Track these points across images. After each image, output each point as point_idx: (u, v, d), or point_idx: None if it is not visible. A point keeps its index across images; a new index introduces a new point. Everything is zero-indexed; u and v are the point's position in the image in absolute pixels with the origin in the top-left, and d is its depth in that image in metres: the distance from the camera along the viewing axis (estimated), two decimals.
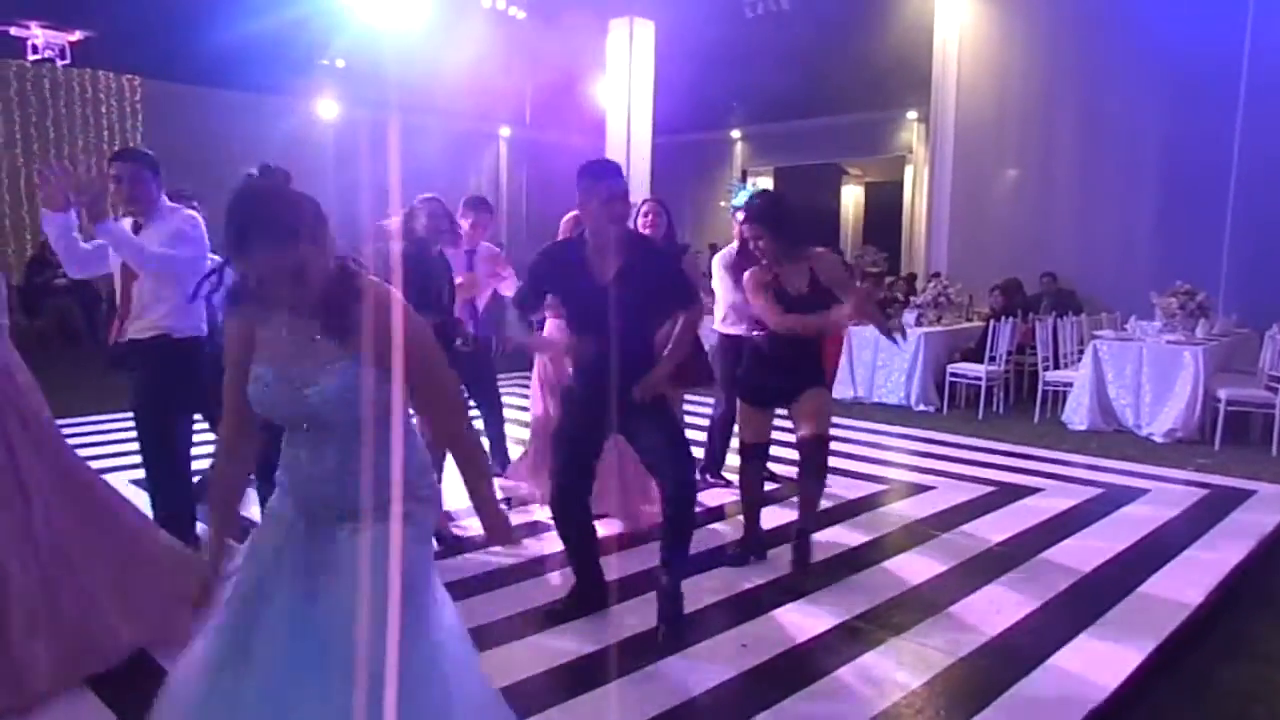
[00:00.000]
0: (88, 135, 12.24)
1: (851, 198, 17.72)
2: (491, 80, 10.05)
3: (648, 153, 10.55)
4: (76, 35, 11.39)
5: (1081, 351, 7.46)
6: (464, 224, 4.71)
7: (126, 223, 3.26)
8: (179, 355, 3.30)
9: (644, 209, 4.70)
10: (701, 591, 3.45)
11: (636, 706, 2.53)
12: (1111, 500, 4.88)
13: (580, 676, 2.75)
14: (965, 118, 10.51)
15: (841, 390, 8.07)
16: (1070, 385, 7.18)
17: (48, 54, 11.58)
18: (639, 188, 9.87)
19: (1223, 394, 6.34)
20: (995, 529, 4.32)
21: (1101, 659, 2.94)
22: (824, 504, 4.55)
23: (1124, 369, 6.88)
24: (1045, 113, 9.98)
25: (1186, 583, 3.61)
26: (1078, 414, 7.00)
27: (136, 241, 3.14)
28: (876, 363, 7.94)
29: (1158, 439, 6.51)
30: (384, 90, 10.57)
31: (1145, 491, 5.08)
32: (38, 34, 11.21)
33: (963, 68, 10.47)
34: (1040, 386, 7.39)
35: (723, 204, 13.72)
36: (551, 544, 3.86)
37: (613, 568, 3.41)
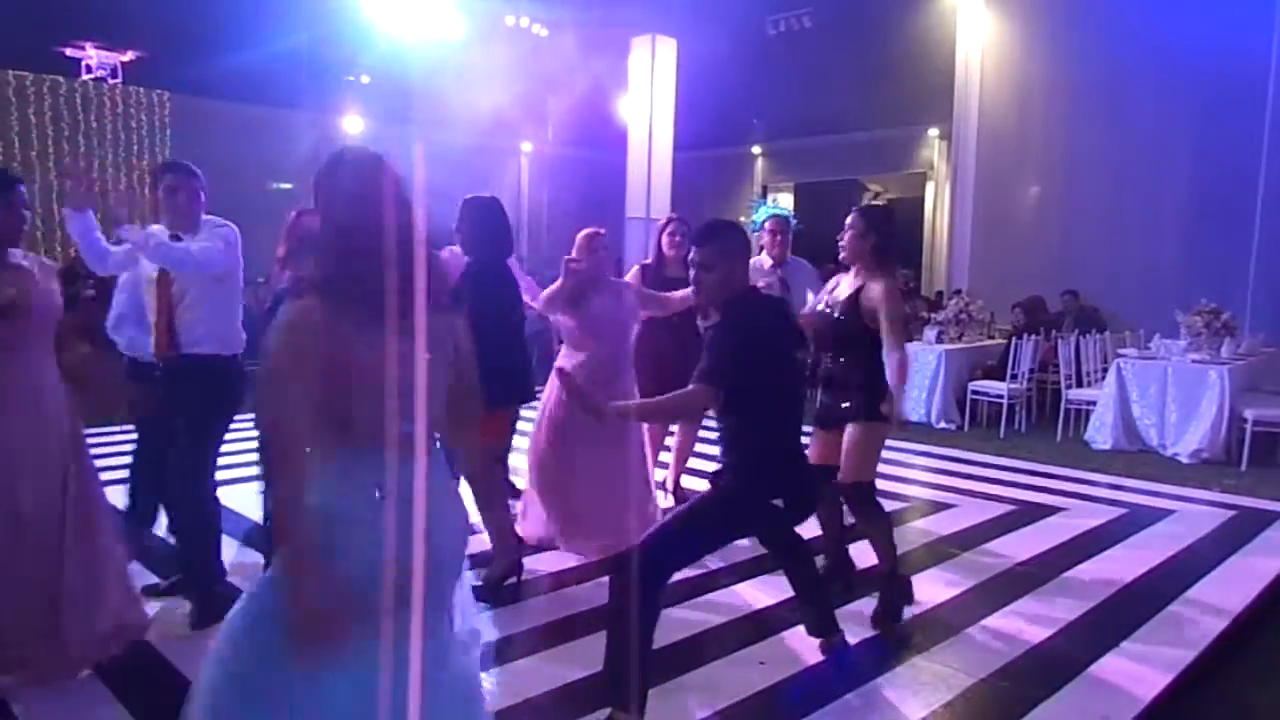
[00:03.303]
0: (117, 150, 12.47)
1: None
2: (514, 97, 10.16)
3: (669, 168, 10.60)
4: (129, 55, 11.64)
5: (1105, 370, 7.38)
6: None
7: (158, 229, 3.18)
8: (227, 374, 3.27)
9: (670, 228, 4.71)
10: (718, 609, 3.44)
11: None
12: (1136, 521, 4.81)
13: (594, 694, 2.72)
14: (987, 134, 10.49)
15: None
16: (1093, 404, 7.11)
17: (100, 73, 11.83)
18: (660, 204, 9.91)
19: (1249, 414, 6.25)
20: (1017, 548, 4.27)
21: (1127, 681, 2.89)
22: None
23: (1148, 388, 6.80)
24: (1069, 128, 9.93)
25: (1214, 605, 3.56)
26: (1101, 433, 6.92)
27: (172, 244, 3.04)
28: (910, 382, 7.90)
29: (1183, 459, 6.42)
30: (408, 106, 10.71)
31: (1171, 512, 5.01)
32: (92, 54, 11.46)
33: (985, 84, 10.45)
34: (1063, 405, 7.31)
35: (743, 219, 13.73)
36: (556, 562, 3.90)
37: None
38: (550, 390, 4.13)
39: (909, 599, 3.41)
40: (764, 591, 3.58)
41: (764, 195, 16.02)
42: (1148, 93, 9.22)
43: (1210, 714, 2.87)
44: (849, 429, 3.28)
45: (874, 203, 4.08)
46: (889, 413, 3.13)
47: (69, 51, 11.34)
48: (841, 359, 3.37)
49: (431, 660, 1.59)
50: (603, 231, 4.15)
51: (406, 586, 1.56)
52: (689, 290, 4.10)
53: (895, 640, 3.18)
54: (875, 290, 3.23)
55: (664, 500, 4.74)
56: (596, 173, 14.54)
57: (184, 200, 3.16)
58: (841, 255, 3.39)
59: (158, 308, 3.18)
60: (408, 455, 1.60)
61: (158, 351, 3.19)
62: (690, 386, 2.52)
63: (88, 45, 11.34)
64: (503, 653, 3.01)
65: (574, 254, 4.06)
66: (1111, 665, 3.01)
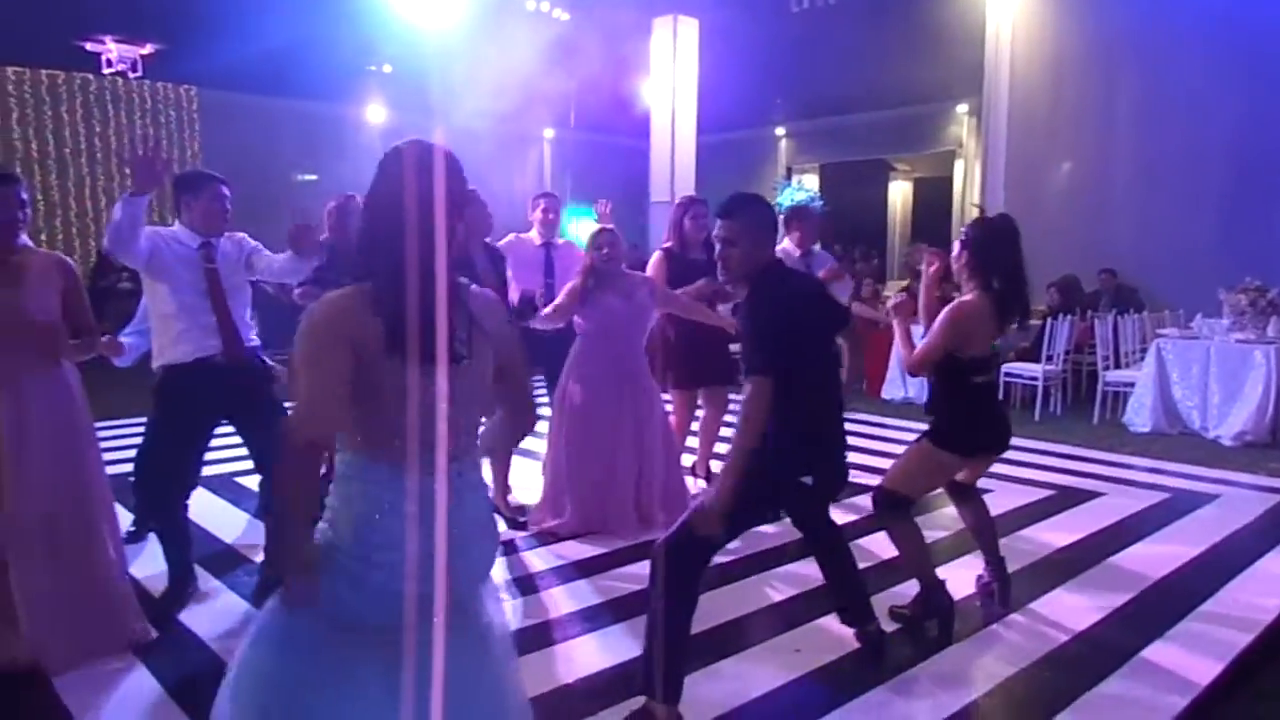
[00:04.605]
0: (147, 145, 12.59)
1: (899, 194, 17.40)
2: (535, 82, 10.10)
3: (692, 152, 10.49)
4: (148, 48, 11.70)
5: (1143, 350, 7.21)
6: (536, 216, 4.74)
7: (185, 233, 3.23)
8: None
9: (692, 210, 4.66)
10: (751, 595, 3.41)
11: (690, 711, 2.48)
12: (1178, 506, 4.70)
13: (630, 681, 2.70)
14: (1019, 109, 10.24)
15: (892, 390, 7.94)
16: (1132, 386, 6.95)
17: (120, 67, 11.91)
18: (684, 188, 9.82)
19: None
20: (1056, 534, 4.19)
21: (1172, 672, 2.82)
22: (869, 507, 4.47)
23: (1190, 369, 6.63)
24: (1103, 101, 9.67)
25: (1261, 593, 3.46)
26: (1140, 415, 6.77)
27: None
28: None
29: (1226, 442, 6.26)
30: (429, 95, 10.67)
31: (1214, 497, 4.88)
32: (112, 48, 11.53)
33: (1016, 57, 10.20)
34: (1100, 387, 7.16)
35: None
36: (586, 549, 3.88)
37: None
38: (570, 380, 4.12)
39: (946, 622, 3.08)
40: (798, 578, 3.54)
41: (788, 177, 15.83)
42: (1185, 64, 8.93)
43: (1258, 709, 2.78)
44: (915, 443, 3.20)
45: (985, 216, 3.84)
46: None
47: (89, 46, 11.41)
48: (934, 377, 3.22)
49: (461, 667, 1.57)
50: (611, 227, 4.13)
51: (433, 596, 1.54)
52: (712, 311, 4.12)
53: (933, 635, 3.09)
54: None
55: (693, 484, 4.71)
56: (620, 157, 14.45)
57: (227, 209, 3.26)
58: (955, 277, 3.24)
59: (217, 308, 3.20)
60: (429, 462, 1.56)
61: (228, 352, 3.20)
62: (748, 386, 2.42)
63: (107, 39, 11.41)
64: (534, 640, 3.00)
65: (588, 245, 4.06)
66: (1158, 655, 2.93)
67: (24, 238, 2.78)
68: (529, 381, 1.86)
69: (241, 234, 3.41)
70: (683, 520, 2.55)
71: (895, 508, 3.14)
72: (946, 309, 3.11)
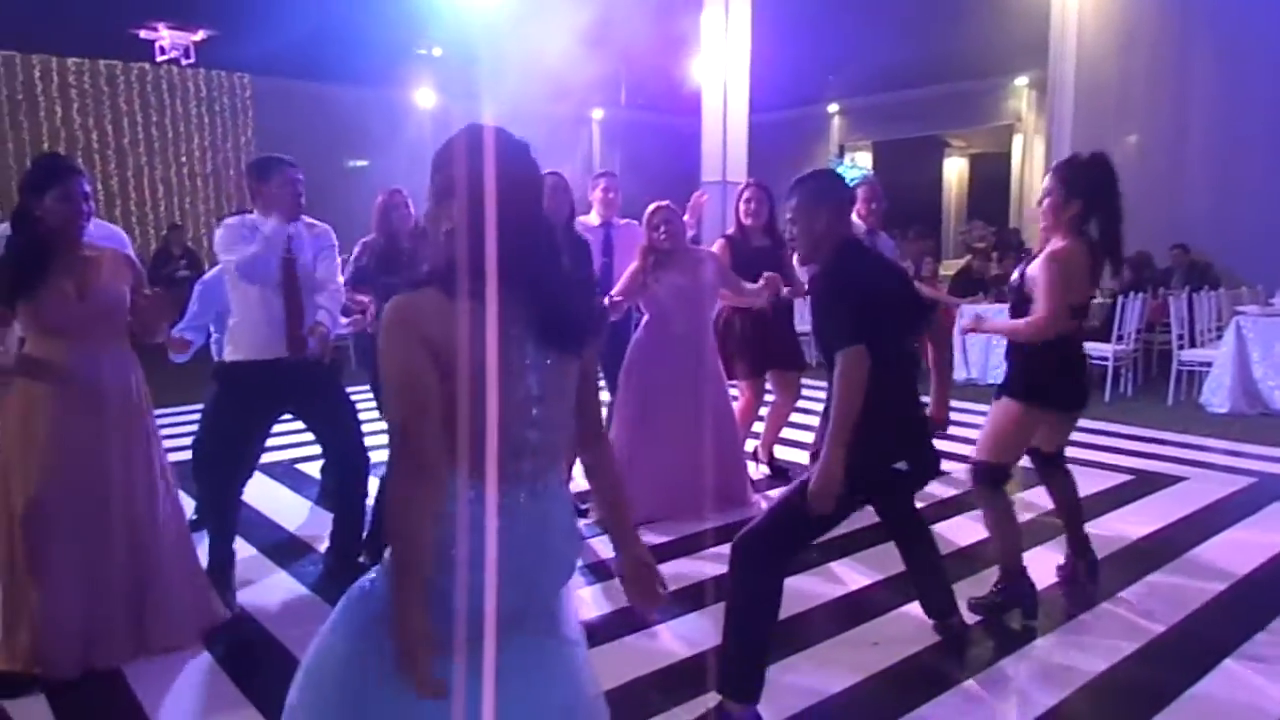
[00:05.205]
0: (203, 134, 12.81)
1: (954, 171, 16.96)
2: (585, 62, 9.98)
3: (744, 131, 10.29)
4: (200, 35, 11.83)
5: (1220, 328, 6.90)
6: (595, 195, 4.66)
7: (275, 222, 3.17)
8: None
9: (745, 195, 4.53)
10: (822, 587, 3.32)
11: (766, 708, 2.41)
12: (1266, 491, 4.47)
13: (704, 675, 2.61)
14: (1085, 79, 9.83)
15: (955, 372, 7.72)
16: (1208, 365, 6.65)
17: (173, 54, 12.06)
18: (736, 168, 9.64)
19: None
20: (1136, 522, 4.00)
21: (1276, 670, 2.66)
22: (944, 493, 4.34)
23: (1272, 347, 6.32)
24: (1177, 69, 9.24)
25: None
26: (1218, 396, 6.48)
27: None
28: (991, 342, 7.52)
29: None
30: (479, 77, 10.63)
31: None
32: (165, 35, 11.65)
33: (1083, 25, 9.78)
34: (1174, 366, 6.87)
35: None
36: (649, 539, 3.82)
37: None
38: (635, 365, 4.05)
39: (1029, 611, 2.99)
40: (868, 569, 3.43)
41: (841, 155, 15.53)
42: (1266, 26, 8.48)
43: None
44: (992, 404, 3.06)
45: (1079, 157, 3.48)
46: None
47: (142, 34, 11.56)
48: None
49: (534, 676, 1.50)
50: (665, 204, 4.01)
51: (514, 607, 1.45)
52: (761, 287, 4.01)
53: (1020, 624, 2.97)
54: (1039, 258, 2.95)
55: (754, 469, 4.62)
56: (670, 137, 14.30)
57: (300, 192, 3.22)
58: (1041, 226, 3.05)
59: (288, 303, 3.17)
60: (510, 475, 1.46)
61: (292, 350, 3.17)
62: (840, 358, 2.29)
63: (160, 26, 11.54)
64: (603, 632, 2.95)
65: (644, 225, 3.97)
66: (1261, 649, 2.77)
67: (119, 231, 2.78)
68: (600, 409, 1.73)
69: (326, 227, 3.36)
70: (765, 513, 2.46)
71: (996, 482, 3.02)
72: (1048, 261, 2.88)
